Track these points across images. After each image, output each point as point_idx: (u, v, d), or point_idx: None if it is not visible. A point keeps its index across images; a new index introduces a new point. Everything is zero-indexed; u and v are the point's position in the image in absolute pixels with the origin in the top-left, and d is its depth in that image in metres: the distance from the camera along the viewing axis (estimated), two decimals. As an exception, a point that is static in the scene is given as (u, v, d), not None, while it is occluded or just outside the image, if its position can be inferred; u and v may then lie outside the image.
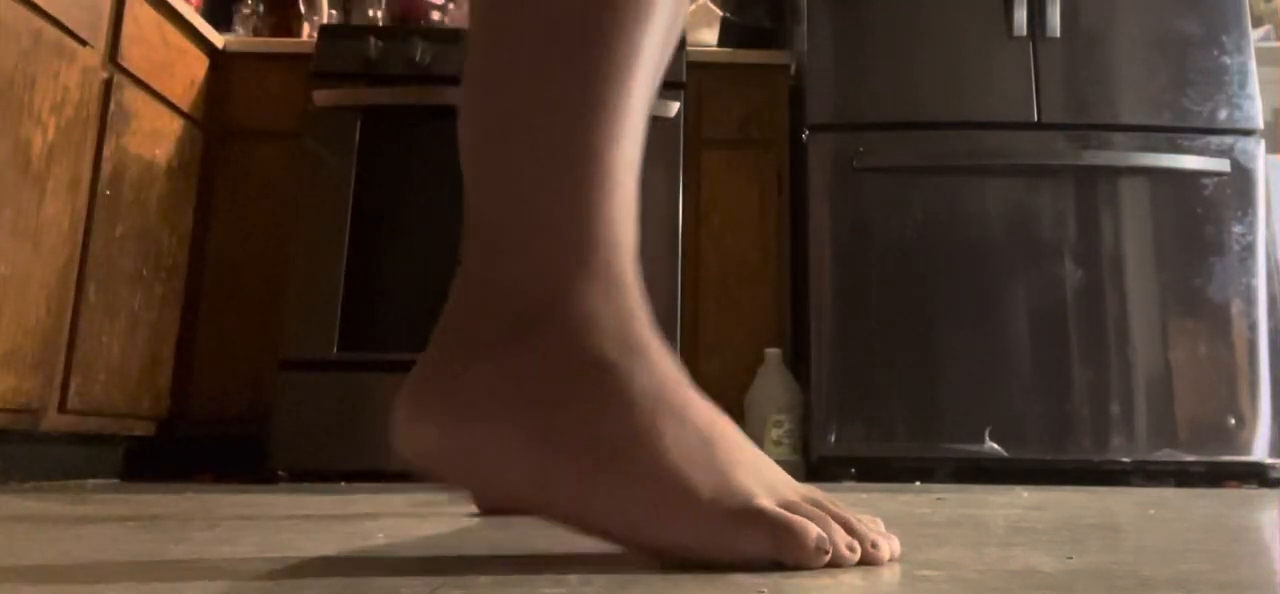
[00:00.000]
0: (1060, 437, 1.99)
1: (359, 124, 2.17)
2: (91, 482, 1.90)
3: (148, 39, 2.04)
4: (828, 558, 0.45)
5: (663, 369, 0.50)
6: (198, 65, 2.27)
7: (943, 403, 2.00)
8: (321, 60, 2.23)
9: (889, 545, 0.48)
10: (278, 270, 2.22)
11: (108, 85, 1.91)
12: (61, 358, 1.80)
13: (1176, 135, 2.12)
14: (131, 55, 1.97)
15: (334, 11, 2.81)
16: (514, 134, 0.51)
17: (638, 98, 0.51)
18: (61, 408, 1.79)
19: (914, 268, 2.07)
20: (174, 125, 2.17)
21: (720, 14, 2.69)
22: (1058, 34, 2.16)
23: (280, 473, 1.98)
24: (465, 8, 2.65)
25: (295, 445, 2.01)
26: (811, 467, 2.03)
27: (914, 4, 2.20)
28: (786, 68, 2.44)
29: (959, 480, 1.92)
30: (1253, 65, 2.16)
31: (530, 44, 0.50)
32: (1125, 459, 1.98)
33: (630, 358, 0.49)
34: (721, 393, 2.22)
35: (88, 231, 1.86)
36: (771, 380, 2.14)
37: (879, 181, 2.11)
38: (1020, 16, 2.16)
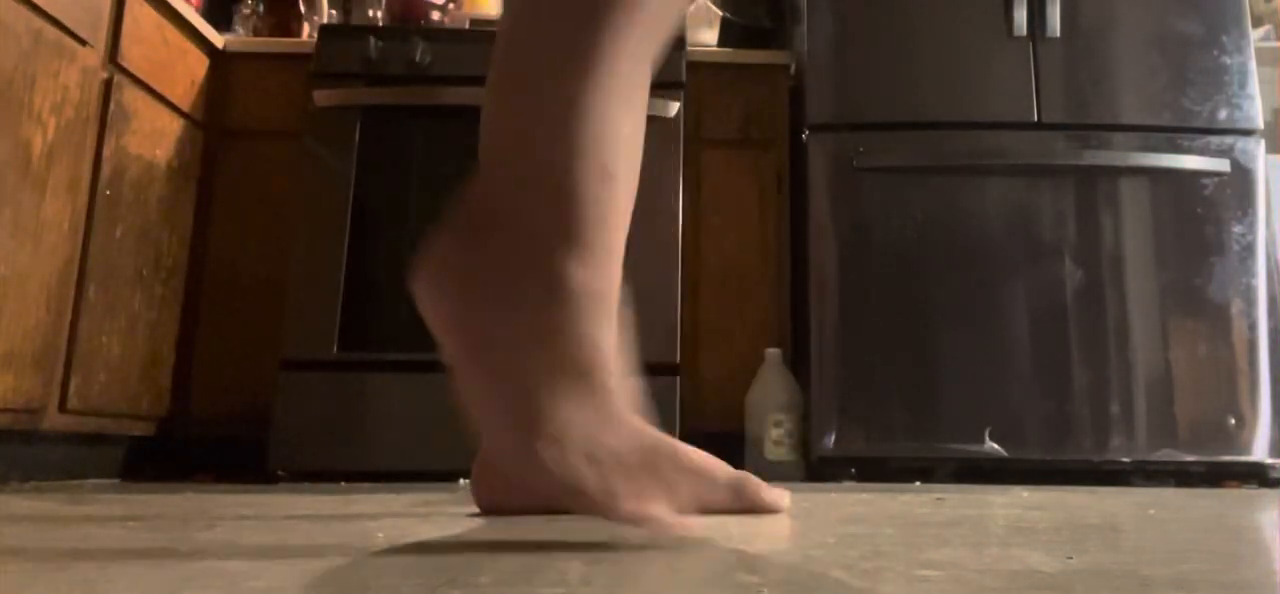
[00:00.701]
0: (1060, 437, 1.99)
1: (359, 124, 2.17)
2: (91, 482, 1.90)
3: (148, 39, 2.04)
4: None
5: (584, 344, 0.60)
6: (198, 65, 2.27)
7: (942, 403, 2.00)
8: (321, 60, 2.23)
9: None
10: (278, 270, 2.22)
11: (108, 85, 1.91)
12: (61, 358, 1.80)
13: (1176, 135, 2.12)
14: (131, 55, 1.97)
15: (334, 11, 2.81)
16: (508, 97, 0.62)
17: (624, 61, 0.60)
18: (61, 408, 1.79)
19: (914, 267, 2.07)
20: (174, 125, 2.17)
21: (720, 14, 2.69)
22: (1058, 34, 2.16)
23: (280, 473, 1.98)
24: (465, 8, 2.65)
25: (295, 445, 2.01)
26: (811, 467, 2.03)
27: (914, 4, 2.20)
28: (786, 68, 2.44)
29: (959, 480, 1.92)
30: (1253, 65, 2.16)
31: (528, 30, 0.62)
32: (1125, 459, 1.98)
33: (565, 312, 0.59)
34: (722, 393, 2.23)
35: (88, 232, 1.86)
36: (771, 380, 2.14)
37: (879, 181, 2.11)
38: (1020, 16, 2.16)
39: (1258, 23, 2.67)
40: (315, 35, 2.46)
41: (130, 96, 1.98)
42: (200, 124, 2.28)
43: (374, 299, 2.09)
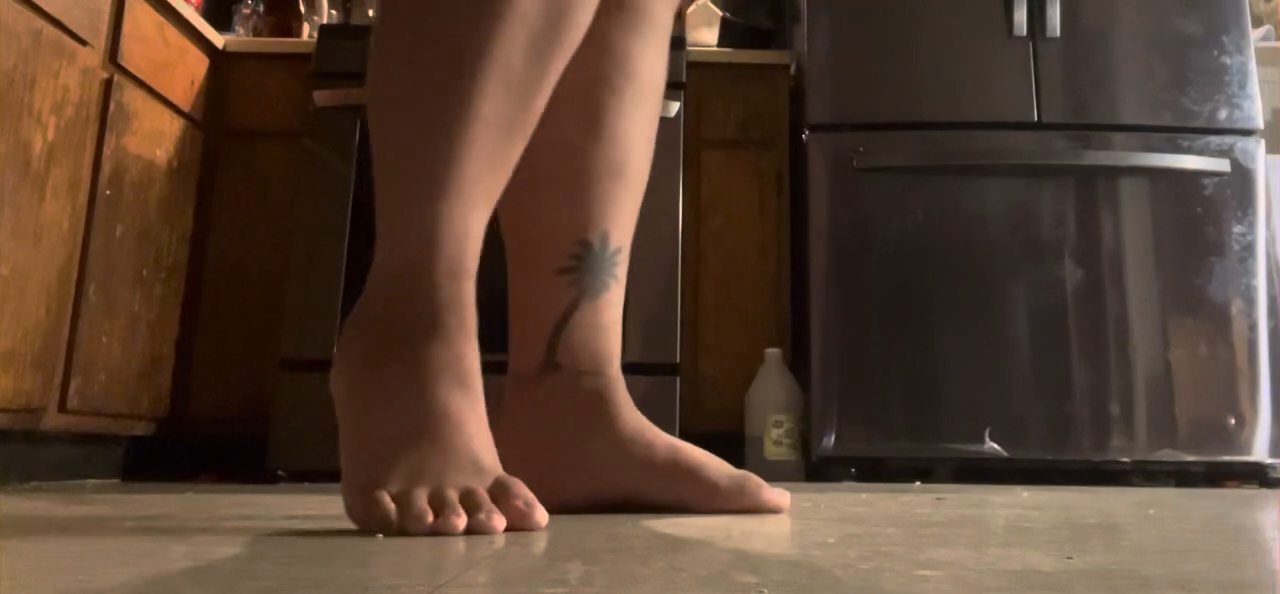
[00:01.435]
0: (1060, 437, 1.99)
1: (359, 124, 2.17)
2: (91, 482, 1.90)
3: (148, 39, 2.04)
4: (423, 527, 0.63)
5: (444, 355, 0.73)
6: (198, 65, 2.27)
7: (942, 403, 2.00)
8: (321, 60, 2.23)
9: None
10: (278, 270, 2.22)
11: (108, 85, 1.91)
12: (61, 358, 1.79)
13: (1176, 135, 2.12)
14: (131, 55, 1.97)
15: (334, 11, 2.81)
16: (382, 144, 0.77)
17: (492, 104, 0.73)
18: (61, 408, 1.79)
19: (914, 268, 2.07)
20: (174, 125, 2.17)
21: (720, 14, 2.69)
22: (1057, 34, 2.16)
23: (280, 473, 1.98)
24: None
25: (295, 445, 2.01)
26: (811, 466, 2.03)
27: (914, 4, 2.20)
28: (786, 68, 2.44)
29: (959, 480, 1.92)
30: (1253, 65, 2.15)
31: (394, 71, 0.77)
32: (1125, 459, 1.98)
33: (429, 346, 0.72)
34: (721, 393, 2.23)
35: (88, 231, 1.86)
36: (771, 380, 2.14)
37: (879, 181, 2.11)
38: (1020, 16, 2.16)
39: (1258, 23, 2.66)
40: (315, 35, 2.46)
41: (130, 96, 1.98)
42: (200, 124, 2.28)
43: (374, 299, 2.08)
